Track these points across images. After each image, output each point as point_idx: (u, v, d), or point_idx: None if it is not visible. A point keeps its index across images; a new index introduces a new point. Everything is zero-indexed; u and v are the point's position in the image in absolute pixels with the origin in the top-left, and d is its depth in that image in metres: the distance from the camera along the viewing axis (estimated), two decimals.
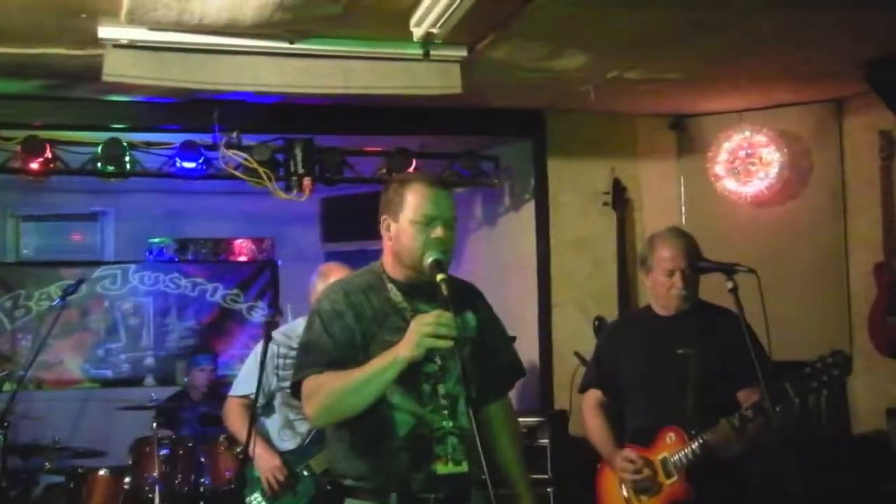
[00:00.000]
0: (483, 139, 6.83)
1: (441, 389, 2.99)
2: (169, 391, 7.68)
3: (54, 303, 7.45)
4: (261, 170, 6.01)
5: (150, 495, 6.01)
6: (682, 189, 6.85)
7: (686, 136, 6.88)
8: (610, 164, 6.69)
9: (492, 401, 3.21)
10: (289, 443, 4.75)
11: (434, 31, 4.30)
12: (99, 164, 5.99)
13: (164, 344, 8.68)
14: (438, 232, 2.97)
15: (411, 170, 6.36)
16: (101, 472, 6.19)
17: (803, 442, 5.30)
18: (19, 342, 8.29)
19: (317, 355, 2.99)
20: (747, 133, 6.42)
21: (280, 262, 9.05)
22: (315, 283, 4.82)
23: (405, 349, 2.82)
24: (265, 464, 4.64)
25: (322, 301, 3.09)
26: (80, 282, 6.84)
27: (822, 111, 6.50)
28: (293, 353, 4.65)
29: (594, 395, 4.21)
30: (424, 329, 2.79)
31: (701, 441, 3.78)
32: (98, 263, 8.55)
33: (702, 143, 6.71)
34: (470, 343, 3.04)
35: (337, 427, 3.04)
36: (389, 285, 3.07)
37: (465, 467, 2.96)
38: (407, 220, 3.00)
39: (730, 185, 6.47)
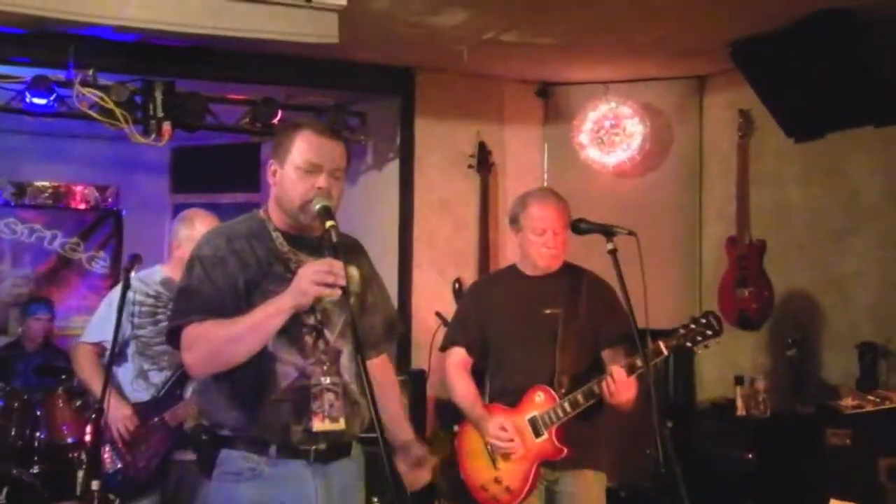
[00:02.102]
0: (349, 94, 6.69)
1: (322, 343, 2.91)
2: (1, 341, 7.27)
3: None
4: (118, 111, 5.70)
5: None
6: (546, 156, 6.91)
7: (552, 104, 6.94)
8: (476, 127, 6.68)
9: (370, 357, 3.12)
10: (142, 393, 4.54)
11: None
12: None
13: None
14: (321, 181, 2.88)
15: (276, 121, 6.17)
16: None
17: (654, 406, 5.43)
18: None
19: (197, 302, 2.85)
20: (613, 104, 6.52)
21: (125, 212, 8.71)
22: (178, 228, 4.66)
23: (291, 297, 2.72)
24: (115, 413, 4.44)
25: (202, 246, 2.96)
26: None
27: (685, 87, 6.68)
28: (149, 301, 4.54)
29: (458, 353, 4.13)
30: (313, 276, 2.69)
31: (571, 400, 3.82)
32: None
33: (567, 111, 6.78)
34: (353, 297, 2.96)
35: (215, 377, 2.91)
36: (274, 234, 2.97)
37: (341, 424, 2.88)
38: (291, 166, 2.90)
39: (593, 154, 6.57)
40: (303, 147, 2.90)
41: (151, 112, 5.84)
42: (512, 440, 3.86)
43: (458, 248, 6.60)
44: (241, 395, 2.88)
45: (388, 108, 6.72)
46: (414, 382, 6.01)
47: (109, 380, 4.30)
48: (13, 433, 5.91)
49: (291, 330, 2.82)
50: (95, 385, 4.58)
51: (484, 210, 6.57)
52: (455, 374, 4.11)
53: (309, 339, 2.89)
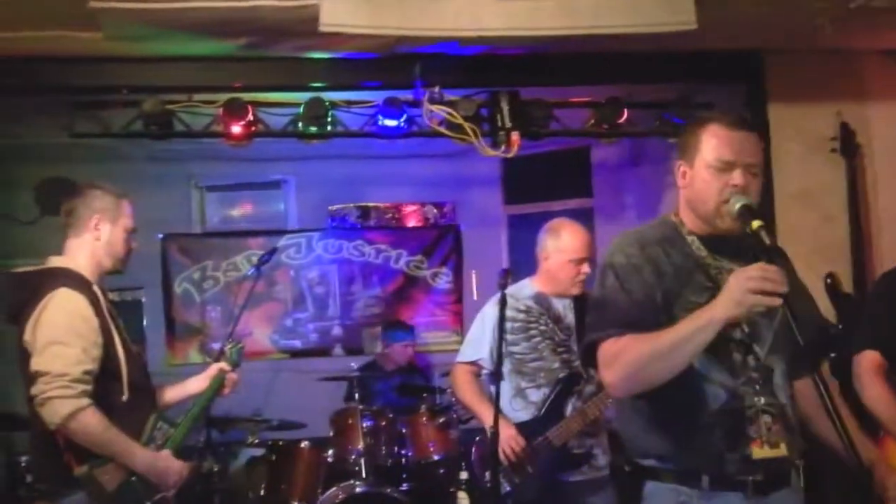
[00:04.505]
0: (689, 85, 6.33)
1: (752, 360, 2.65)
2: (355, 360, 7.44)
3: (248, 272, 7.40)
4: (466, 125, 5.68)
5: (354, 468, 5.85)
6: None
7: None
8: (835, 107, 6.11)
9: (801, 376, 2.82)
10: (522, 413, 4.43)
11: None
12: (301, 125, 5.78)
13: (350, 313, 8.57)
14: (737, 178, 2.64)
15: (622, 120, 5.96)
16: (304, 445, 6.09)
17: None
18: (209, 314, 8.31)
19: (614, 315, 2.66)
20: None
21: (463, 227, 8.80)
22: (544, 239, 4.56)
23: (724, 308, 2.45)
24: (501, 434, 4.33)
25: (614, 254, 2.77)
26: (274, 251, 6.62)
27: None
28: (520, 317, 4.43)
29: (871, 357, 3.72)
30: (748, 284, 2.41)
31: None
32: (283, 232, 8.48)
33: None
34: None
35: (634, 398, 2.71)
36: (690, 238, 2.75)
37: (783, 450, 2.61)
38: (702, 165, 2.68)
39: None
40: (713, 143, 2.68)
41: (499, 123, 5.79)
42: None
43: (826, 241, 6.03)
44: (665, 419, 2.67)
45: (735, 96, 6.29)
46: None
47: (497, 400, 4.22)
48: (383, 452, 6.03)
49: (717, 345, 2.56)
50: (476, 405, 4.53)
51: (854, 197, 5.98)
52: (868, 379, 3.69)
53: (738, 356, 2.65)
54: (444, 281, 8.72)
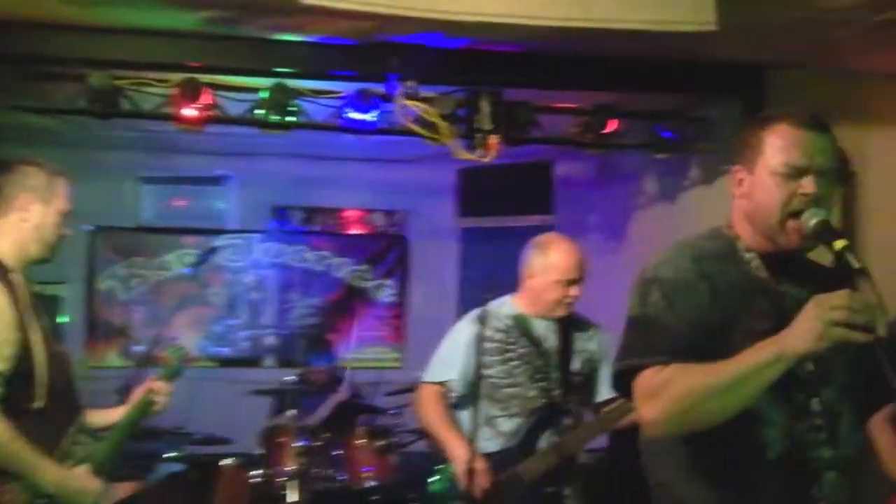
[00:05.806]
0: (684, 98, 5.88)
1: (815, 403, 2.22)
2: (287, 373, 6.88)
3: (184, 272, 6.85)
4: (442, 124, 5.18)
5: (283, 491, 5.37)
6: None
7: None
8: (834, 131, 5.71)
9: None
10: (489, 443, 4.00)
11: None
12: (261, 113, 5.20)
13: (285, 322, 8.08)
14: (807, 186, 2.21)
15: (608, 131, 5.51)
16: (228, 462, 5.66)
17: None
18: (133, 314, 7.72)
19: (659, 338, 2.22)
20: None
21: (412, 238, 8.30)
22: (531, 256, 4.14)
23: (802, 340, 2.01)
24: (465, 467, 3.85)
25: (661, 266, 2.32)
26: (213, 250, 6.11)
27: None
28: (498, 336, 3.99)
29: None
30: (832, 315, 1.98)
31: None
32: (221, 232, 7.91)
33: None
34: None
35: (673, 440, 2.27)
36: (748, 255, 2.32)
37: None
38: (766, 170, 2.26)
39: None
40: (778, 145, 2.26)
41: (477, 125, 5.29)
42: None
43: None
44: (710, 467, 2.25)
45: (731, 113, 5.84)
46: None
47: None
48: (315, 476, 5.57)
49: (780, 382, 2.12)
50: (442, 432, 4.10)
51: (846, 226, 5.61)
52: None
53: (800, 396, 2.22)
54: (387, 294, 8.27)
